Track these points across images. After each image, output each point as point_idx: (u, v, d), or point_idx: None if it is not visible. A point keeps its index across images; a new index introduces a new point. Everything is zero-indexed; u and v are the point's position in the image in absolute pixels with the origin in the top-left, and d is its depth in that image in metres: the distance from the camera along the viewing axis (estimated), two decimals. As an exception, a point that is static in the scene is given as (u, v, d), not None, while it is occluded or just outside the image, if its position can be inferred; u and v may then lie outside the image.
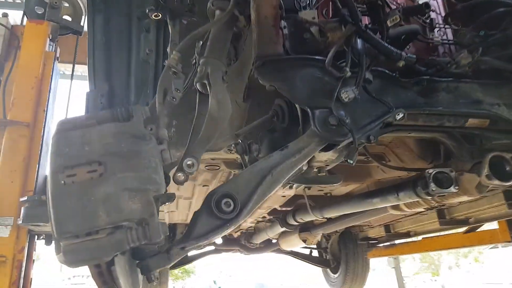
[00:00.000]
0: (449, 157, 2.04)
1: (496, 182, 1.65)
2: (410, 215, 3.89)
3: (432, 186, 1.78)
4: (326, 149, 1.51)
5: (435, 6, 2.20)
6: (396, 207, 2.31)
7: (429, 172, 1.80)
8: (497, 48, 1.85)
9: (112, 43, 2.03)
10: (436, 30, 2.11)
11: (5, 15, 3.23)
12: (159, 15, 1.69)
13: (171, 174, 1.26)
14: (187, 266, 31.17)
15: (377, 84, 1.66)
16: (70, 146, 1.05)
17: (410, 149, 2.36)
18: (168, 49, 1.72)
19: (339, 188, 3.07)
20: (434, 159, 2.27)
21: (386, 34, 1.62)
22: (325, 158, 1.68)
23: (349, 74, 1.49)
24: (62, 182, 1.01)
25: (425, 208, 2.15)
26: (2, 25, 3.08)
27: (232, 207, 1.24)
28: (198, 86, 1.42)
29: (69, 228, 0.98)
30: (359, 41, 1.66)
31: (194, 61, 1.55)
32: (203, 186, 2.92)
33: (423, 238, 4.37)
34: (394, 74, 1.71)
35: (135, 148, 1.07)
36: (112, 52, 2.04)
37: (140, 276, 1.28)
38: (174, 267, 5.66)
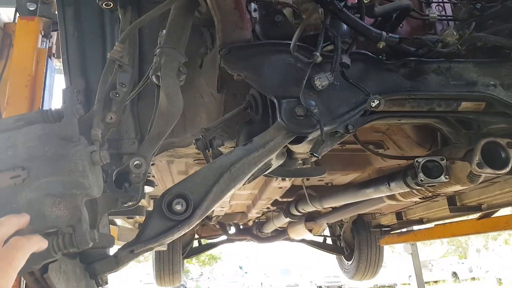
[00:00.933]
0: (447, 143, 1.90)
1: (488, 170, 1.51)
2: (421, 202, 3.74)
3: (421, 176, 1.65)
4: (296, 142, 1.41)
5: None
6: (391, 197, 2.19)
7: (418, 161, 1.67)
8: (497, 22, 1.68)
9: (85, 37, 1.95)
10: (434, 5, 1.94)
11: (-5, 13, 3.22)
12: (111, 4, 1.60)
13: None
14: (213, 253, 31.74)
15: (359, 68, 1.54)
16: None
17: (408, 135, 2.22)
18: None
19: (340, 178, 2.96)
20: (433, 145, 2.14)
21: (363, 11, 1.47)
22: (302, 150, 1.58)
23: (319, 59, 1.37)
24: None
25: (420, 198, 2.02)
26: (-7, 23, 3.07)
27: (184, 207, 1.17)
28: (154, 78, 1.34)
29: None
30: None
31: (155, 51, 1.46)
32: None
33: (436, 224, 4.21)
34: (380, 57, 1.58)
35: (60, 151, 1.00)
36: (85, 46, 1.97)
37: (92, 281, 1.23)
38: (187, 256, 5.69)
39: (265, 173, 1.49)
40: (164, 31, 1.44)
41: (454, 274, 25.22)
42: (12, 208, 0.93)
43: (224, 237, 5.85)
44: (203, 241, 6.11)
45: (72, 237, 0.94)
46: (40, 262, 0.93)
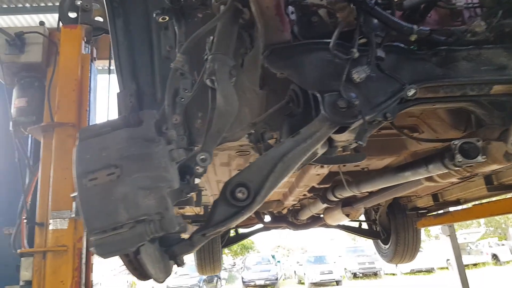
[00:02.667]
0: (481, 124, 1.97)
1: None
2: (457, 183, 3.77)
3: (458, 157, 1.73)
4: (339, 131, 1.53)
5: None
6: (429, 179, 2.26)
7: (455, 143, 1.76)
8: None
9: (134, 44, 2.12)
10: None
11: (41, 24, 3.45)
12: (166, 18, 1.75)
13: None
14: (245, 243, 32.17)
15: (392, 59, 1.63)
16: (90, 153, 1.17)
17: (442, 119, 2.29)
18: (176, 50, 1.78)
19: (376, 162, 3.04)
20: (467, 127, 2.20)
21: (394, 7, 1.57)
22: (343, 139, 1.69)
23: (356, 54, 1.48)
24: (86, 186, 1.13)
25: (458, 178, 2.09)
26: (40, 33, 3.29)
27: (246, 195, 1.31)
28: (208, 82, 1.48)
29: (97, 225, 1.11)
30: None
31: (206, 57, 1.60)
32: (238, 170, 3.01)
33: (473, 205, 4.22)
34: (411, 47, 1.67)
35: (146, 151, 1.17)
36: (135, 52, 2.13)
37: (171, 262, 1.40)
38: (225, 245, 5.90)
39: (312, 161, 1.62)
40: (211, 38, 1.58)
41: (495, 256, 24.70)
42: (111, 201, 1.10)
43: (260, 226, 6.01)
44: (239, 230, 6.31)
45: (161, 222, 1.10)
46: (136, 245, 1.10)
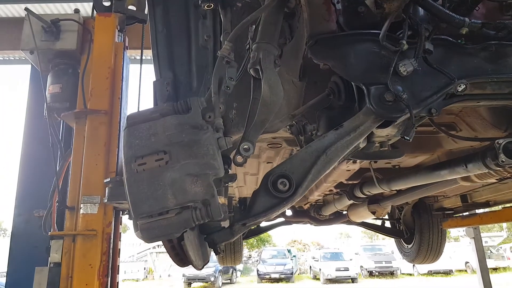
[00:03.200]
0: None
1: None
2: (489, 185, 3.67)
3: (502, 157, 1.68)
4: (383, 126, 1.49)
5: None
6: (466, 179, 2.21)
7: (499, 142, 1.71)
8: None
9: (172, 33, 2.12)
10: None
11: (76, 11, 3.49)
12: (211, 5, 1.74)
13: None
14: (262, 236, 32.29)
15: (440, 53, 1.59)
16: (139, 138, 1.17)
17: (482, 117, 2.22)
18: (221, 38, 1.77)
19: (408, 160, 2.99)
20: (509, 127, 2.13)
21: None
22: (385, 134, 1.66)
23: (406, 47, 1.44)
24: (135, 170, 1.14)
25: (497, 179, 2.03)
26: (75, 21, 3.33)
27: (287, 186, 1.30)
28: (251, 71, 1.47)
29: (144, 209, 1.12)
30: (420, 10, 1.58)
31: (248, 46, 1.59)
32: (267, 163, 3.00)
33: (503, 207, 4.11)
34: (459, 41, 1.62)
35: (195, 138, 1.17)
36: (173, 41, 2.14)
37: (209, 249, 1.41)
38: (246, 237, 5.92)
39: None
40: (253, 26, 1.57)
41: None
42: (159, 186, 1.10)
43: (281, 219, 6.00)
44: (260, 224, 6.32)
45: (207, 209, 1.10)
46: (181, 231, 1.10)
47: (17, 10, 6.80)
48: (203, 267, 1.35)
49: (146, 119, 1.21)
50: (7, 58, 8.17)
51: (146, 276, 27.83)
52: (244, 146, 1.32)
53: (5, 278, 3.62)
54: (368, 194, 3.39)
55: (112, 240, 3.13)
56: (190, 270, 22.68)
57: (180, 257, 1.23)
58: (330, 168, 1.39)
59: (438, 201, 4.95)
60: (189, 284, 22.81)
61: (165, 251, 1.48)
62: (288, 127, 1.55)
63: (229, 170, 1.67)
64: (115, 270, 3.18)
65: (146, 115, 1.22)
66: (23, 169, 3.84)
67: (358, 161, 2.56)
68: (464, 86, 1.44)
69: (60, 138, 3.54)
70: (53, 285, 2.91)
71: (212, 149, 1.17)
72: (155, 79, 2.15)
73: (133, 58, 5.30)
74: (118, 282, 3.26)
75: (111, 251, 3.08)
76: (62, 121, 3.54)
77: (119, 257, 3.30)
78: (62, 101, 3.31)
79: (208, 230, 1.34)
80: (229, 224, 1.34)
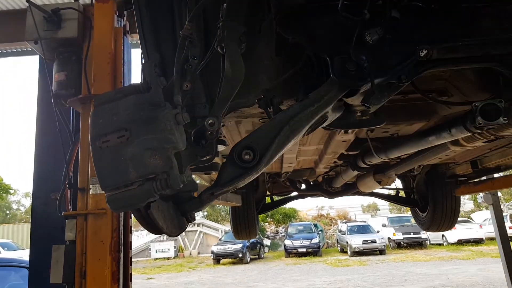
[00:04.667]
0: (510, 86, 1.88)
1: None
2: (496, 149, 3.62)
3: (479, 119, 1.68)
4: (350, 95, 1.52)
5: None
6: (455, 143, 2.21)
7: (476, 104, 1.71)
8: None
9: (157, 16, 2.17)
10: None
11: (76, -1, 3.58)
12: None
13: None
14: (287, 211, 32.53)
15: (409, 20, 1.59)
16: (102, 118, 1.27)
17: (471, 80, 2.20)
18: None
19: (405, 128, 2.98)
20: (497, 89, 2.10)
21: None
22: (356, 102, 1.68)
23: (367, 15, 1.45)
24: (99, 147, 1.23)
25: (483, 142, 2.03)
26: (75, 9, 3.42)
27: (252, 156, 1.36)
28: (219, 49, 1.52)
29: (109, 182, 1.22)
30: None
31: (219, 25, 1.63)
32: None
33: (514, 171, 4.05)
34: (432, 6, 1.61)
35: (153, 114, 1.26)
36: (158, 23, 2.19)
37: (184, 218, 1.50)
38: (261, 212, 6.05)
39: (323, 125, 1.63)
40: (225, 5, 1.60)
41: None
42: (121, 161, 1.19)
43: (295, 193, 6.09)
44: (274, 198, 6.43)
45: (167, 180, 1.18)
46: (144, 201, 1.20)
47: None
48: (178, 234, 1.45)
49: (111, 99, 1.30)
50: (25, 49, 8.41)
51: (177, 255, 28.74)
52: (209, 121, 1.39)
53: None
54: (370, 164, 3.41)
55: (122, 218, 3.29)
56: (219, 247, 23.30)
57: (151, 225, 1.33)
58: (296, 139, 1.44)
59: (450, 168, 4.91)
60: (218, 260, 23.44)
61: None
62: (256, 101, 1.60)
63: (211, 145, 1.73)
64: (127, 246, 3.35)
65: (111, 96, 1.31)
66: (38, 154, 4.03)
67: (350, 131, 2.58)
68: (426, 51, 1.45)
69: (70, 123, 3.69)
70: (70, 262, 3.11)
71: (170, 124, 1.25)
72: (143, 62, 2.22)
73: (135, 42, 5.36)
74: (131, 257, 3.44)
75: (121, 228, 3.24)
76: (72, 108, 3.68)
77: (131, 233, 3.47)
78: (68, 88, 3.43)
79: (180, 200, 1.44)
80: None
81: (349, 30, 1.50)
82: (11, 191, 37.32)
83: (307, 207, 37.62)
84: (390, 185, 4.38)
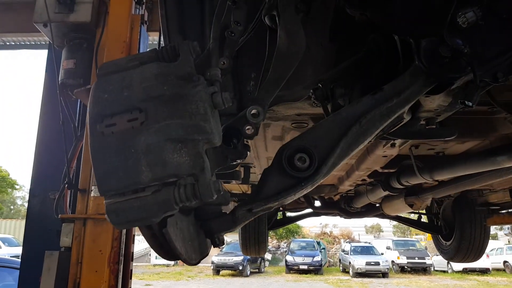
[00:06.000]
0: None
1: None
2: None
3: None
4: (435, 92, 1.17)
5: None
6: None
7: None
8: None
9: None
10: None
11: (93, -19, 3.29)
12: None
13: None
14: (291, 227, 32.06)
15: None
16: (108, 92, 0.90)
17: None
18: None
19: (454, 146, 2.60)
20: None
21: None
22: (435, 104, 1.32)
23: None
24: (101, 133, 0.87)
25: None
26: (91, -9, 3.13)
27: (307, 163, 1.00)
28: (266, 20, 1.17)
29: (111, 185, 0.85)
30: None
31: None
32: (293, 146, 2.69)
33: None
34: None
35: (180, 91, 0.88)
36: (183, 1, 1.86)
37: (207, 240, 1.13)
38: (272, 228, 5.66)
39: (394, 129, 1.27)
40: None
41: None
42: (131, 154, 0.83)
43: (309, 210, 5.70)
44: (287, 214, 6.04)
45: (195, 187, 0.82)
46: (160, 215, 0.82)
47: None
48: (198, 262, 1.07)
49: (122, 68, 0.93)
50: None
51: (177, 262, 28.23)
52: (252, 111, 1.03)
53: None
54: (406, 185, 3.02)
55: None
56: (219, 258, 22.81)
57: (165, 249, 0.96)
58: (365, 143, 1.08)
59: (483, 196, 4.50)
60: (218, 271, 22.95)
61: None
62: (312, 92, 1.25)
63: (242, 146, 1.36)
64: (128, 257, 2.99)
65: (122, 64, 0.95)
66: (40, 148, 3.71)
67: (397, 145, 2.22)
68: None
69: (76, 117, 3.37)
70: (63, 271, 2.75)
71: (204, 106, 0.87)
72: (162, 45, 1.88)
73: (151, 43, 5.07)
74: (131, 270, 3.07)
75: (123, 237, 2.88)
76: (79, 100, 3.36)
77: (133, 243, 3.11)
78: (76, 77, 3.12)
79: (205, 215, 1.07)
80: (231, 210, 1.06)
81: (438, 8, 1.16)
82: (17, 187, 37.19)
83: (311, 224, 36.98)
84: (422, 209, 3.99)
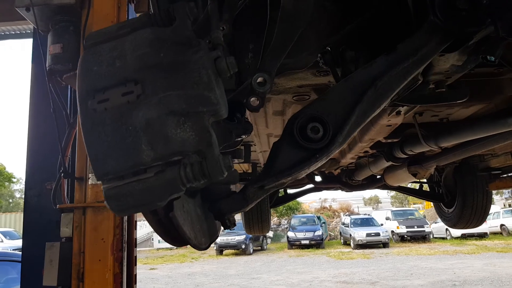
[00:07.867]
0: None
1: None
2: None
3: None
4: (451, 49, 1.08)
5: None
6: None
7: None
8: None
9: None
10: None
11: (74, -41, 3.12)
12: None
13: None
14: (290, 204, 32.30)
15: None
16: (99, 63, 0.80)
17: None
18: None
19: (458, 111, 2.53)
20: None
21: None
22: (448, 64, 1.24)
23: None
24: (93, 109, 0.78)
25: None
26: (72, -31, 2.97)
27: (321, 133, 0.92)
28: None
29: (108, 167, 0.77)
30: None
31: None
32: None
33: None
34: None
35: (180, 58, 0.79)
36: None
37: (217, 222, 1.06)
38: (274, 205, 5.62)
39: (408, 92, 1.19)
40: None
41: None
42: (128, 132, 0.75)
43: (310, 185, 5.67)
44: (288, 191, 6.01)
45: (202, 164, 0.74)
46: (165, 198, 0.74)
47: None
48: (208, 247, 1.00)
49: (112, 36, 0.84)
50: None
51: (179, 245, 28.41)
52: (258, 79, 0.94)
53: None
54: (410, 154, 2.97)
55: (127, 212, 2.86)
56: (221, 238, 22.97)
57: (172, 235, 0.88)
58: (381, 107, 1.00)
59: (485, 161, 4.47)
60: (221, 251, 23.15)
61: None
62: (320, 57, 1.15)
63: (250, 125, 1.28)
64: (131, 243, 2.93)
65: (112, 32, 0.85)
66: (32, 138, 3.60)
67: (402, 112, 2.14)
68: None
69: (68, 104, 3.25)
70: (65, 261, 2.69)
71: (207, 74, 0.78)
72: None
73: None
74: (135, 256, 3.02)
75: (125, 223, 2.82)
76: (69, 86, 3.24)
77: (135, 229, 3.05)
78: (64, 62, 2.99)
79: (213, 196, 0.99)
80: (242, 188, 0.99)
81: None
82: (14, 180, 37.01)
83: (310, 199, 37.23)
84: (426, 178, 3.95)
